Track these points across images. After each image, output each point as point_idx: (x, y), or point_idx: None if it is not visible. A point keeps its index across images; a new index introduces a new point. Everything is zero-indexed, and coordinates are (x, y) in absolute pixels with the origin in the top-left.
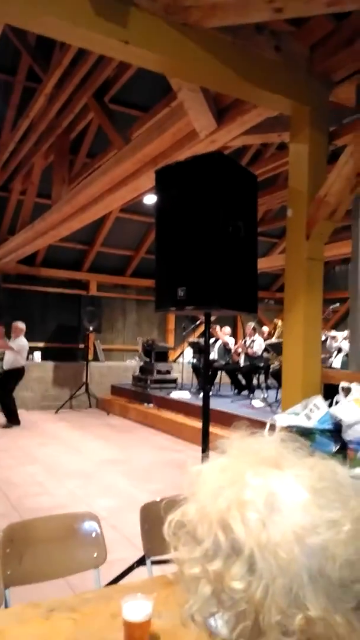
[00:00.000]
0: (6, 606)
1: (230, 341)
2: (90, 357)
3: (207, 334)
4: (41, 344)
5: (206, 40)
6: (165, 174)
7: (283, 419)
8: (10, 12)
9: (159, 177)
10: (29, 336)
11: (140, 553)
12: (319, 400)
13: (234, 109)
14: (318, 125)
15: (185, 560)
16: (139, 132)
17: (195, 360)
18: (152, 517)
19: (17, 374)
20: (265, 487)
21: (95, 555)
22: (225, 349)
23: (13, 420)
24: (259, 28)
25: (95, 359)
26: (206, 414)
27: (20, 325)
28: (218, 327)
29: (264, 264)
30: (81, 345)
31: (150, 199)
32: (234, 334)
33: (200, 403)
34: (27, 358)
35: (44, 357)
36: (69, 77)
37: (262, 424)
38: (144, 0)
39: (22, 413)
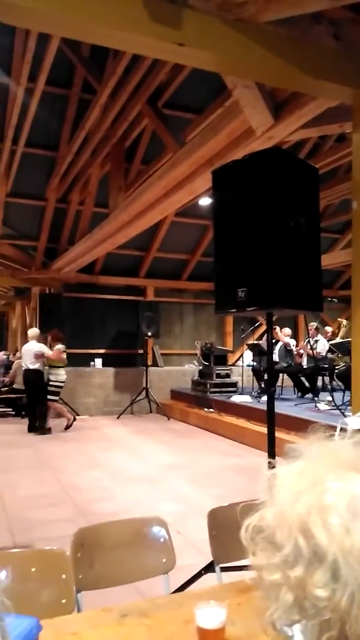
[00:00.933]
0: (78, 610)
1: (292, 342)
2: (150, 362)
3: (270, 336)
4: (102, 351)
5: (261, 34)
6: (222, 174)
7: (355, 421)
8: (66, 25)
9: (215, 178)
10: (90, 343)
11: (205, 559)
12: None
13: (291, 103)
14: None
15: (264, 566)
16: (193, 135)
17: (255, 363)
18: (219, 523)
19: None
20: (347, 491)
21: (164, 560)
22: (286, 350)
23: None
24: (316, 17)
25: (154, 364)
26: (271, 418)
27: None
28: (278, 329)
29: (325, 261)
30: (140, 351)
31: (205, 201)
32: (295, 335)
33: (261, 407)
34: (89, 364)
35: (104, 364)
36: (123, 86)
37: (330, 428)
38: (198, 0)
39: (85, 419)
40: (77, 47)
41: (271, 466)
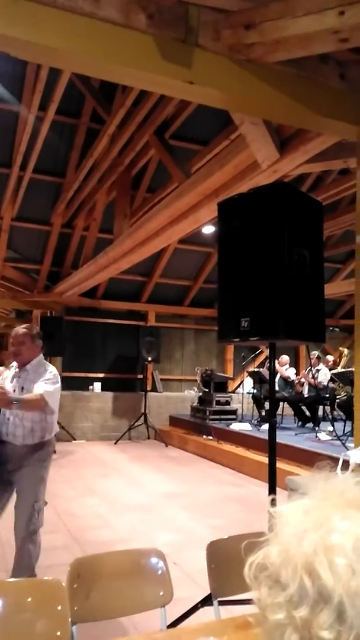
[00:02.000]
0: None
1: (291, 373)
2: (149, 387)
3: (273, 365)
4: (101, 375)
5: (270, 74)
6: (228, 206)
7: (357, 455)
8: (77, 62)
9: (221, 210)
10: (90, 367)
11: (202, 591)
12: None
13: (296, 138)
14: None
15: (268, 604)
16: (198, 166)
17: (255, 391)
18: (218, 556)
19: None
20: (353, 531)
21: (161, 593)
22: (285, 381)
23: None
24: (323, 58)
25: (154, 389)
26: (273, 449)
27: None
28: (276, 362)
29: (327, 290)
30: (140, 376)
31: (209, 229)
32: (296, 364)
33: (261, 435)
34: (88, 388)
35: (103, 388)
36: (131, 117)
37: (330, 459)
38: (208, 40)
39: (82, 444)
40: (87, 78)
41: (274, 502)
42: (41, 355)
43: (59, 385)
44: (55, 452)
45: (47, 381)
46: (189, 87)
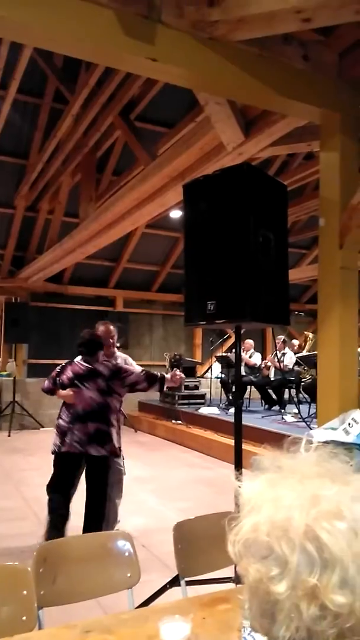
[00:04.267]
0: (40, 627)
1: (256, 358)
2: None
3: (239, 348)
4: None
5: (233, 53)
6: (194, 188)
7: (320, 434)
8: (37, 35)
9: (187, 192)
10: (57, 353)
11: (171, 573)
12: (357, 414)
13: (261, 120)
14: (349, 132)
15: (262, 578)
16: (165, 148)
17: (223, 375)
18: (185, 537)
19: None
20: (344, 497)
21: (129, 575)
22: (251, 369)
23: None
24: (287, 38)
25: None
26: (239, 431)
27: None
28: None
29: (293, 275)
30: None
31: (176, 214)
32: (262, 348)
33: (229, 419)
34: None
35: None
36: (95, 97)
37: (296, 439)
38: (171, 17)
39: (50, 431)
40: (49, 57)
41: (239, 479)
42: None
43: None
44: None
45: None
46: (152, 64)
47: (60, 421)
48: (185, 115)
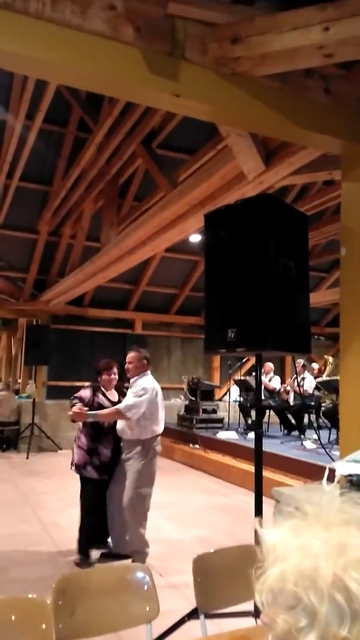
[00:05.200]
0: None
1: (276, 381)
2: None
3: (259, 377)
4: (88, 383)
5: (255, 88)
6: (215, 217)
7: (343, 466)
8: (63, 74)
9: (208, 220)
10: (77, 375)
11: (188, 603)
12: None
13: (282, 151)
14: None
15: (290, 629)
16: (185, 175)
17: (241, 399)
18: (204, 569)
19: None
20: None
21: (147, 609)
22: (270, 393)
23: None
24: (308, 73)
25: None
26: (259, 459)
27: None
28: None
29: (312, 299)
30: (127, 384)
31: (195, 238)
32: (281, 371)
33: (247, 444)
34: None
35: None
36: (118, 127)
37: (316, 468)
38: (195, 53)
39: (68, 454)
40: (74, 89)
41: (262, 524)
42: (145, 373)
43: (144, 396)
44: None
45: (134, 394)
46: (176, 99)
47: None
48: (206, 142)
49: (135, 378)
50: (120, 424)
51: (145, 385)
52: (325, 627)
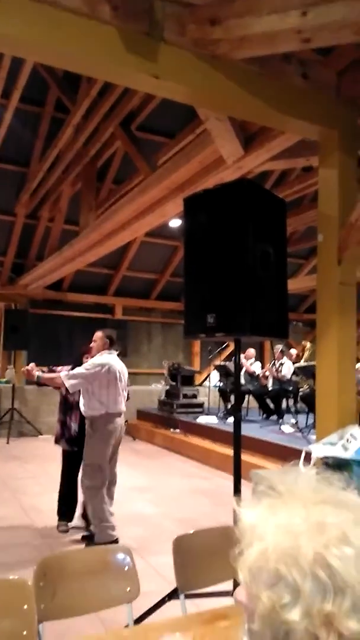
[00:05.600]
0: None
1: (256, 367)
2: None
3: (238, 361)
4: (68, 368)
5: (234, 71)
6: (194, 201)
7: (319, 449)
8: (39, 52)
9: (187, 205)
10: (56, 361)
11: (168, 585)
12: (356, 430)
13: (261, 136)
14: (347, 149)
15: (274, 607)
16: (165, 159)
17: (222, 384)
18: (184, 550)
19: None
20: (348, 523)
21: (128, 589)
22: (251, 375)
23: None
24: (287, 57)
25: None
26: (238, 444)
27: None
28: (242, 356)
29: (291, 286)
30: None
31: (175, 223)
32: (261, 357)
33: (227, 428)
34: None
35: None
36: (96, 108)
37: (294, 451)
38: (173, 34)
39: (48, 439)
40: (51, 67)
41: (240, 504)
42: (105, 351)
43: (91, 370)
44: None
45: (83, 367)
46: (154, 81)
47: None
48: (185, 125)
49: (95, 355)
50: (81, 400)
51: (96, 361)
52: (310, 603)
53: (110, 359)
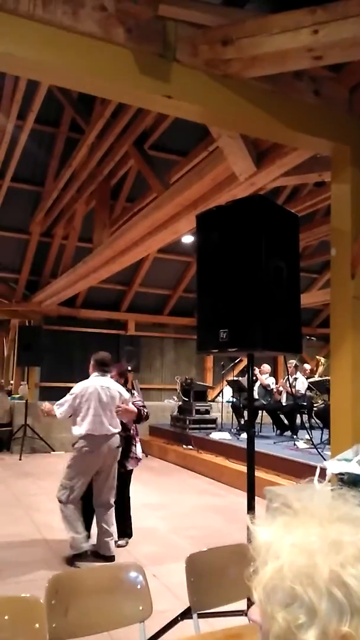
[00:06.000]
0: None
1: (271, 381)
2: None
3: (250, 376)
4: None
5: (246, 89)
6: (206, 218)
7: (334, 465)
8: (55, 75)
9: (199, 221)
10: (69, 376)
11: (181, 603)
12: None
13: (273, 152)
14: (359, 164)
15: (289, 627)
16: (177, 177)
17: (234, 400)
18: (197, 569)
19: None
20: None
21: (141, 608)
22: (265, 389)
23: None
24: (298, 75)
25: None
26: (251, 459)
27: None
28: (257, 370)
29: (304, 300)
30: None
31: (188, 239)
32: (274, 372)
33: (241, 444)
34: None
35: None
36: (110, 128)
37: (308, 467)
38: (186, 55)
39: (61, 455)
40: (66, 89)
41: (254, 521)
42: (92, 374)
43: (67, 397)
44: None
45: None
46: (167, 101)
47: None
48: (198, 143)
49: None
50: None
51: (74, 388)
52: (326, 623)
53: (86, 383)
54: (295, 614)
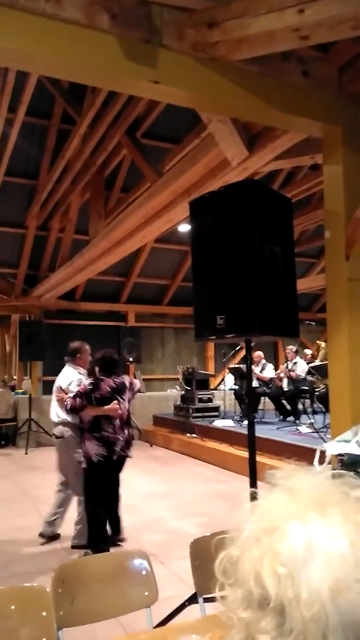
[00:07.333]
0: None
1: (269, 369)
2: None
3: (249, 362)
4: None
5: (234, 72)
6: (200, 204)
7: (333, 447)
8: (43, 65)
9: (193, 208)
10: None
11: (189, 589)
12: None
13: (264, 136)
14: (351, 145)
15: (229, 602)
16: (171, 165)
17: (237, 387)
18: (202, 553)
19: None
20: (303, 537)
21: (146, 594)
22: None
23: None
24: (286, 56)
25: None
26: (252, 445)
27: None
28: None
29: (303, 285)
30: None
31: (184, 228)
32: (275, 358)
33: (244, 431)
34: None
35: None
36: (102, 117)
37: (311, 451)
38: (172, 40)
39: None
40: (56, 79)
41: (252, 497)
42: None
43: None
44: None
45: None
46: (155, 86)
47: (106, 433)
48: (190, 130)
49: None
50: None
51: None
52: (240, 606)
53: (62, 373)
54: (232, 592)
